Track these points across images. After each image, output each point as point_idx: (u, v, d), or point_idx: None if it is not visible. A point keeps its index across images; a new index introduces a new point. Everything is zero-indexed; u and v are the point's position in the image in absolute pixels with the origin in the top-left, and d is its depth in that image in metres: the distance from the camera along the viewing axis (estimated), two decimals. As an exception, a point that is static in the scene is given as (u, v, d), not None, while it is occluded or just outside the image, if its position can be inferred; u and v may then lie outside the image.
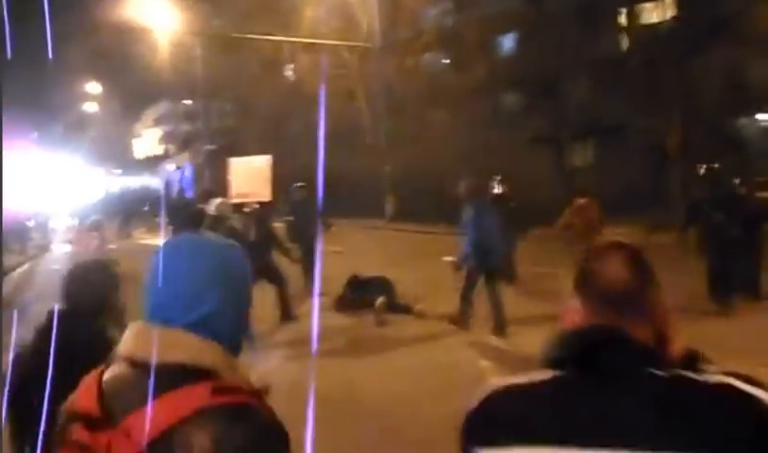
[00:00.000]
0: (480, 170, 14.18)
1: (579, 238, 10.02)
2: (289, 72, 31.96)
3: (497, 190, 12.50)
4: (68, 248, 18.60)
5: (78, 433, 1.23)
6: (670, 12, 22.29)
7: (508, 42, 27.67)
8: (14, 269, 17.27)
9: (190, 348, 1.25)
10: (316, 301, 9.97)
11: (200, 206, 10.99)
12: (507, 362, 7.44)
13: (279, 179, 12.15)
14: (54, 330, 2.29)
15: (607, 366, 1.27)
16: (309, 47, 26.40)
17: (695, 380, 1.25)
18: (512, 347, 8.04)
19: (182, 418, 1.15)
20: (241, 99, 35.97)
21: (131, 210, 27.85)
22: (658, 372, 1.25)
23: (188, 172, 36.78)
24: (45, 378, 1.96)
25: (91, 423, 1.22)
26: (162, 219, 26.04)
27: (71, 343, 2.08)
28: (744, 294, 9.42)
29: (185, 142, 47.83)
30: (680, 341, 1.40)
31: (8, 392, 2.42)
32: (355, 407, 6.25)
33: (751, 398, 1.21)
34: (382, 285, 10.45)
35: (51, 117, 47.56)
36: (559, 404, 1.28)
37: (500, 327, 8.56)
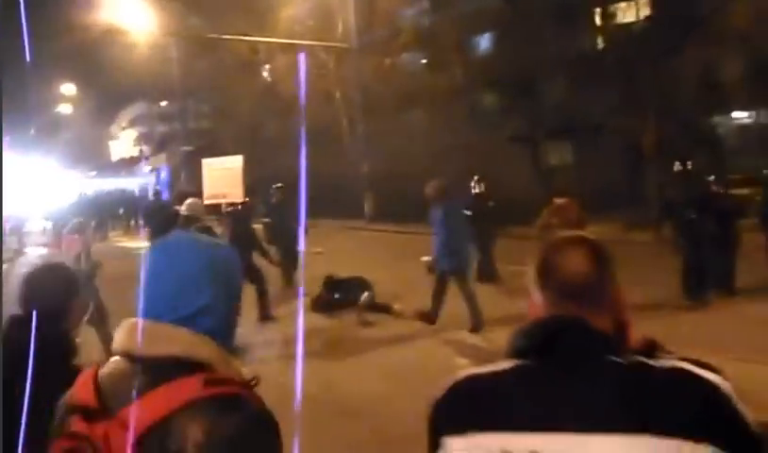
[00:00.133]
0: (458, 169, 14.22)
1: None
2: (265, 72, 31.84)
3: (476, 189, 12.55)
4: (43, 252, 18.34)
5: (76, 424, 1.28)
6: (644, 12, 22.53)
7: (484, 42, 27.82)
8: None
9: (183, 342, 1.31)
10: (301, 302, 9.95)
11: (176, 207, 10.89)
12: (483, 359, 7.42)
13: (257, 180, 12.08)
14: (2, 336, 2.27)
15: (568, 354, 1.31)
16: (286, 48, 26.31)
17: (652, 366, 1.29)
18: (489, 344, 8.09)
19: (175, 409, 1.20)
20: (217, 100, 35.80)
21: (106, 213, 27.56)
22: (617, 359, 1.29)
23: (164, 173, 36.46)
24: None
25: (89, 414, 1.27)
26: (137, 222, 25.78)
27: (21, 349, 2.04)
28: (719, 290, 9.56)
29: (161, 144, 47.54)
30: (653, 334, 1.44)
31: None
32: (334, 406, 6.24)
33: (702, 380, 1.26)
34: (359, 285, 10.44)
35: (25, 119, 46.97)
36: (523, 391, 1.31)
37: (476, 325, 8.63)
